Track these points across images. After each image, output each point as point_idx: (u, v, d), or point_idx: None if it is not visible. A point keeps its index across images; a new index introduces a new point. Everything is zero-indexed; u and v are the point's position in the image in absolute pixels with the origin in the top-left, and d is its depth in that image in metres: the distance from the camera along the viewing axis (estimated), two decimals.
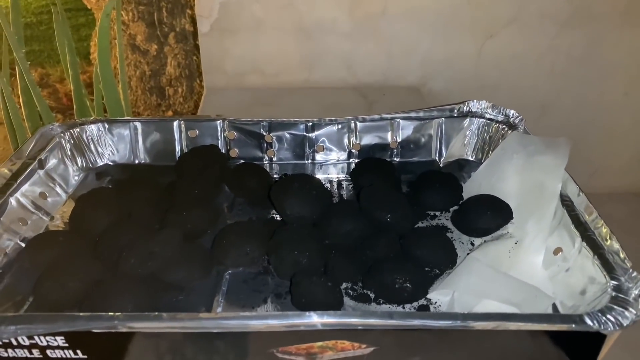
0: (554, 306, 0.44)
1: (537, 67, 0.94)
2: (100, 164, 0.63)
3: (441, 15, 0.88)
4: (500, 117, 0.64)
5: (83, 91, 0.83)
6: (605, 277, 0.41)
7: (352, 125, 0.64)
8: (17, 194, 0.51)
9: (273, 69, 0.90)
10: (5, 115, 0.78)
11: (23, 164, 0.54)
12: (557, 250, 0.48)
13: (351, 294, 0.46)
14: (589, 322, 0.36)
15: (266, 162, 0.64)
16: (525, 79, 0.95)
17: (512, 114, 0.63)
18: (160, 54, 1.38)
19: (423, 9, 0.87)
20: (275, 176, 0.62)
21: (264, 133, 0.63)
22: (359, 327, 0.36)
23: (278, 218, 0.55)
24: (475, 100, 0.65)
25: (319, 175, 0.63)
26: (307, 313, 0.36)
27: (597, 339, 0.37)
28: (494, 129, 0.64)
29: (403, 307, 0.45)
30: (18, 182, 0.52)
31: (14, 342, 0.37)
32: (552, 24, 0.91)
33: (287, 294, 0.46)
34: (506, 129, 0.62)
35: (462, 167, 0.64)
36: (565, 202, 0.50)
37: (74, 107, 0.83)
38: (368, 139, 0.64)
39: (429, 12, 0.88)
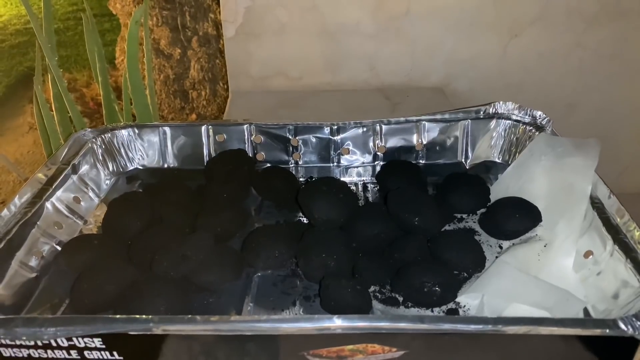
0: (586, 310, 0.44)
1: (563, 65, 0.92)
2: (131, 168, 0.65)
3: (465, 15, 0.87)
4: (527, 119, 0.64)
5: (112, 97, 0.85)
6: (639, 281, 0.41)
7: (377, 127, 0.64)
8: (53, 199, 0.53)
9: (297, 72, 0.90)
10: (39, 121, 0.80)
11: (57, 169, 0.56)
12: (587, 254, 0.47)
13: (379, 297, 0.46)
14: (623, 326, 0.36)
15: (292, 165, 0.65)
16: (551, 77, 0.93)
17: (540, 115, 0.63)
18: (183, 57, 1.40)
19: (447, 8, 0.87)
20: (301, 179, 0.63)
21: (290, 137, 0.64)
22: (390, 332, 0.36)
23: (305, 221, 0.56)
24: (501, 102, 0.64)
25: (344, 178, 0.63)
26: (338, 316, 0.36)
27: (631, 344, 0.37)
28: (520, 130, 0.63)
29: (432, 311, 0.45)
30: (53, 187, 0.53)
31: (53, 344, 0.38)
32: (578, 21, 0.89)
33: (316, 297, 0.47)
34: (533, 130, 0.62)
35: (489, 169, 0.64)
36: (596, 204, 0.49)
37: (104, 112, 0.85)
38: (393, 142, 0.65)
39: (453, 11, 0.87)
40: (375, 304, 0.45)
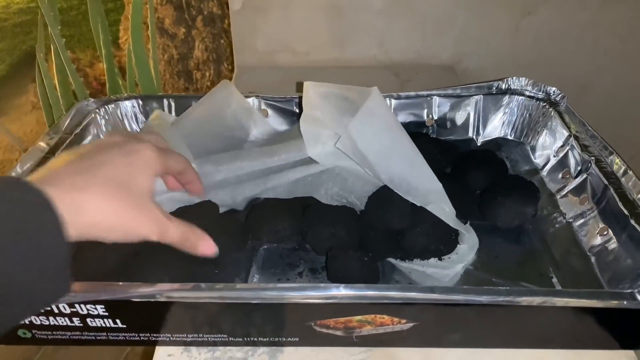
0: (600, 285, 0.43)
1: (577, 44, 0.90)
2: None
3: None
4: (541, 95, 0.62)
5: (115, 70, 0.84)
6: None
7: (387, 102, 0.62)
8: None
9: (304, 47, 0.89)
10: (41, 93, 0.79)
11: (60, 139, 0.54)
12: (603, 229, 0.46)
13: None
14: None
15: None
16: (564, 57, 0.91)
17: (554, 92, 0.61)
18: (188, 37, 1.38)
19: None
20: None
21: (297, 110, 0.63)
22: (400, 302, 0.35)
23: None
24: (514, 77, 0.63)
25: None
26: (346, 285, 0.35)
27: None
28: (534, 106, 0.61)
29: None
30: (55, 156, 0.52)
31: (55, 310, 0.38)
32: None
33: (323, 269, 0.46)
34: (547, 106, 0.60)
35: (501, 146, 0.62)
36: (612, 180, 0.48)
37: (107, 85, 0.83)
38: (403, 117, 0.63)
39: None
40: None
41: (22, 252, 0.24)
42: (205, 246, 0.37)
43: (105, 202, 0.30)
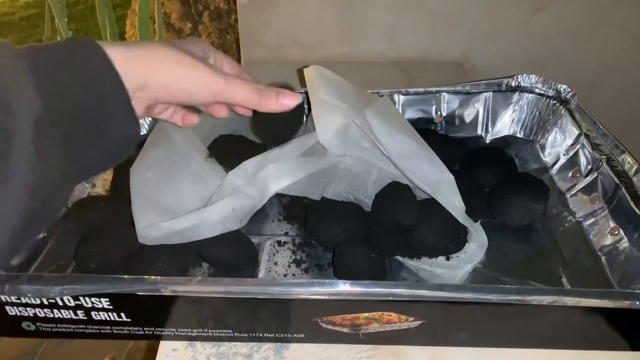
0: (611, 286, 0.42)
1: (587, 42, 0.89)
2: (141, 133, 0.63)
3: None
4: (551, 92, 0.61)
5: None
6: None
7: (395, 98, 0.62)
8: None
9: (312, 42, 0.88)
10: None
11: None
12: (613, 229, 0.46)
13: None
14: None
15: None
16: (574, 55, 0.90)
17: (564, 89, 0.60)
18: (194, 32, 1.37)
19: None
20: None
21: (305, 105, 0.62)
22: (408, 299, 0.35)
23: None
24: (524, 75, 0.62)
25: None
26: (355, 282, 0.34)
27: None
28: (544, 104, 0.61)
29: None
30: None
31: (60, 303, 0.37)
32: None
33: (329, 266, 0.45)
34: (557, 104, 0.59)
35: (510, 144, 0.61)
36: (623, 179, 0.47)
37: None
38: (411, 113, 0.62)
39: None
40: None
41: (90, 94, 0.28)
42: (287, 96, 0.32)
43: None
